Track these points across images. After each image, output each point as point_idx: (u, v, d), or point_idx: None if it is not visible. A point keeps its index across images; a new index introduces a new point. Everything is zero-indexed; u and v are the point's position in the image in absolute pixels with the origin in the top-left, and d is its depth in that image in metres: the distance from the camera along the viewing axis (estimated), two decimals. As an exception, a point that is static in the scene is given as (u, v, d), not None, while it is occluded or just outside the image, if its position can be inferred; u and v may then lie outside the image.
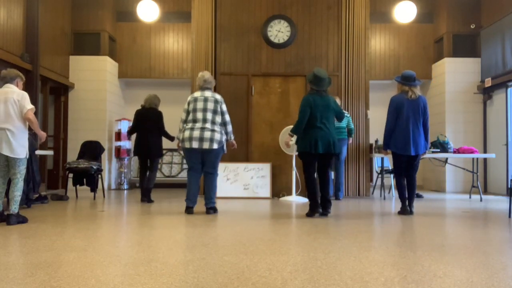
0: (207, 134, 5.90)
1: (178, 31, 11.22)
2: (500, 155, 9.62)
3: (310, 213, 5.78)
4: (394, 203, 7.88)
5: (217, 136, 5.95)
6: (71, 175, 8.39)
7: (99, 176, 8.45)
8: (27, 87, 8.75)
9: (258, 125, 9.00)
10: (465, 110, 10.60)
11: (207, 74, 6.23)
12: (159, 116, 7.69)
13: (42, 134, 5.39)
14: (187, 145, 5.94)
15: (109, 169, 10.85)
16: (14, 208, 5.02)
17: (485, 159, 10.25)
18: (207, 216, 5.86)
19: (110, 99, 10.87)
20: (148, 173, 7.63)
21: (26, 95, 5.18)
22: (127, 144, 11.08)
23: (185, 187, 9.94)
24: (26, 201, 6.59)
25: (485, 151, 10.37)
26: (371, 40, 10.84)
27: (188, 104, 6.09)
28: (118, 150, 11.02)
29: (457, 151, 8.65)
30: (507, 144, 9.67)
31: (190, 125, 5.99)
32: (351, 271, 2.96)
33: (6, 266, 3.03)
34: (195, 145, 5.89)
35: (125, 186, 11.04)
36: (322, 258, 3.37)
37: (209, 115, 5.97)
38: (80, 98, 10.62)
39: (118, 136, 11.02)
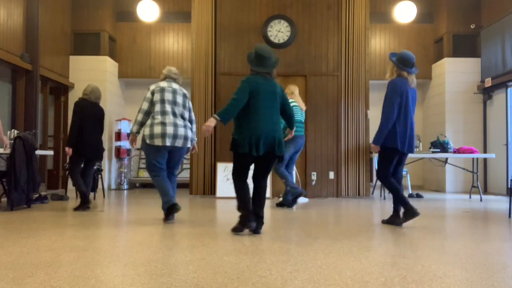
0: (181, 131, 5.26)
1: (178, 31, 11.22)
2: (500, 155, 9.62)
3: (240, 227, 4.43)
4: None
5: (189, 133, 5.39)
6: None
7: (99, 176, 8.45)
8: (27, 87, 8.78)
9: (258, 125, 8.99)
10: (465, 110, 10.60)
11: (174, 68, 5.60)
12: (103, 114, 6.75)
13: (5, 142, 5.01)
14: (158, 142, 5.15)
15: (109, 169, 10.85)
16: None
17: (485, 159, 10.25)
18: (206, 216, 5.85)
19: (110, 99, 10.87)
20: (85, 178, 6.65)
21: None
22: (127, 144, 11.08)
23: (185, 187, 9.99)
24: (26, 201, 6.59)
25: (485, 151, 10.37)
26: (371, 40, 10.84)
27: (153, 93, 5.27)
28: (118, 150, 11.02)
29: (457, 151, 8.65)
30: (507, 144, 9.67)
31: (159, 118, 5.19)
32: (351, 271, 2.96)
33: (6, 266, 3.03)
34: (168, 142, 5.17)
35: (125, 186, 11.04)
36: (322, 258, 3.37)
37: (177, 110, 5.31)
38: (80, 98, 10.61)
39: (118, 136, 11.03)
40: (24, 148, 6.45)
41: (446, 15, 10.71)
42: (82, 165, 6.65)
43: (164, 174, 5.30)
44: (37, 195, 7.19)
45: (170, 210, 5.15)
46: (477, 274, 2.93)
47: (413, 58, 5.07)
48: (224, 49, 9.09)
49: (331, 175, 8.89)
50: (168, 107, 5.23)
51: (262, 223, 4.48)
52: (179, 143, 5.24)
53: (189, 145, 5.37)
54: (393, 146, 5.02)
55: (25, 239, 4.06)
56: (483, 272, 2.97)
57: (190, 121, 5.48)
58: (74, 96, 10.64)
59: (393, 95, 4.95)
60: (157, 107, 5.21)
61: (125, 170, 11.14)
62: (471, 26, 10.66)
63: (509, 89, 9.69)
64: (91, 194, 8.41)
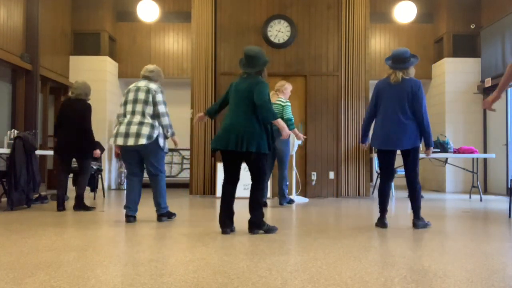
0: (133, 128, 5.07)
1: (178, 31, 11.22)
2: (500, 155, 9.62)
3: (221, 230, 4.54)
4: (394, 203, 7.87)
5: (145, 130, 5.07)
6: (71, 175, 8.37)
7: (99, 176, 8.45)
8: (27, 87, 8.78)
9: (258, 125, 8.99)
10: (465, 110, 10.60)
11: (152, 65, 5.56)
12: (84, 110, 6.45)
13: None
14: (112, 141, 5.19)
15: (109, 169, 10.85)
16: None
17: (485, 159, 10.25)
18: (206, 216, 5.86)
19: (110, 99, 10.87)
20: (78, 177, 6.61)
21: None
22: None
23: (185, 187, 9.98)
24: (26, 201, 6.59)
25: (485, 151, 10.37)
26: (371, 40, 10.84)
27: (122, 97, 5.40)
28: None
29: (457, 151, 8.65)
30: (507, 144, 9.67)
31: (118, 120, 5.28)
32: (351, 271, 2.96)
33: (6, 266, 3.03)
34: (119, 141, 5.10)
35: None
36: (322, 258, 3.36)
37: (138, 107, 5.15)
38: (80, 98, 10.61)
39: (118, 136, 11.01)
40: (24, 148, 6.45)
41: (446, 15, 10.71)
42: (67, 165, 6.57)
43: (132, 179, 5.31)
44: (37, 195, 7.18)
45: (125, 218, 5.24)
46: (477, 274, 2.93)
47: (395, 52, 5.01)
48: (224, 49, 9.09)
49: (331, 175, 8.89)
50: (129, 107, 5.21)
51: (253, 225, 4.48)
52: (130, 141, 5.06)
53: (142, 142, 5.04)
54: (372, 145, 5.19)
55: (25, 239, 4.06)
56: (483, 272, 2.97)
57: (157, 115, 5.19)
58: (74, 96, 10.66)
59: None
60: (121, 109, 5.30)
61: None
62: (471, 26, 10.66)
63: (509, 89, 9.69)
64: (91, 194, 8.44)
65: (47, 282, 2.66)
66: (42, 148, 9.60)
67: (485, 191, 10.27)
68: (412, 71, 5.02)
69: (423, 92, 4.94)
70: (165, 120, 5.21)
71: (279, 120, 4.49)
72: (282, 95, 7.18)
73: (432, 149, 5.08)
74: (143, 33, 11.19)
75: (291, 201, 7.33)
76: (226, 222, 4.49)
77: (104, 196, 8.58)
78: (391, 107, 4.91)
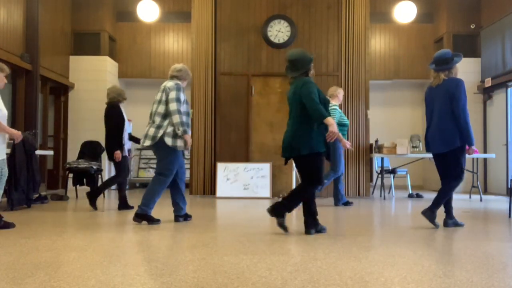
0: (146, 129, 5.19)
1: (178, 31, 11.22)
2: (500, 155, 9.62)
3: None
4: (394, 203, 7.87)
5: (151, 130, 5.09)
6: (71, 175, 8.38)
7: (99, 176, 8.45)
8: (27, 87, 8.78)
9: (258, 125, 9.01)
10: (465, 110, 10.58)
11: (179, 64, 5.45)
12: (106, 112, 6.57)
13: (15, 134, 4.81)
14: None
15: (109, 169, 10.84)
16: None
17: (485, 159, 10.25)
18: (206, 216, 5.85)
19: (110, 99, 10.86)
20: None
21: None
22: (128, 144, 11.05)
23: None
24: (26, 201, 6.59)
25: (485, 151, 10.37)
26: (371, 40, 10.84)
27: None
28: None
29: (457, 151, 8.63)
30: (507, 144, 9.67)
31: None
32: (351, 271, 2.96)
33: (6, 266, 3.03)
34: (142, 142, 5.26)
35: (125, 186, 11.02)
36: (322, 258, 3.37)
37: (154, 107, 5.19)
38: (80, 98, 10.62)
39: (118, 136, 11.02)
40: (24, 148, 6.46)
41: (446, 15, 10.71)
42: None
43: (153, 178, 5.21)
44: (37, 195, 7.18)
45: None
46: (477, 274, 2.93)
47: (437, 55, 5.06)
48: (224, 49, 9.09)
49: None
50: (153, 108, 5.22)
51: (281, 206, 4.45)
52: (144, 142, 5.14)
53: (147, 143, 5.08)
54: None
55: (25, 239, 4.06)
56: (483, 272, 2.97)
57: (168, 114, 5.08)
58: (74, 96, 10.67)
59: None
60: None
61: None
62: (471, 26, 10.66)
63: (509, 89, 9.69)
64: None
65: (47, 282, 2.66)
66: (42, 148, 9.60)
67: (485, 191, 10.27)
68: (455, 70, 5.03)
69: (461, 91, 4.87)
70: (175, 118, 5.02)
71: (329, 118, 4.37)
72: (334, 100, 7.16)
73: (473, 148, 5.09)
74: (143, 33, 11.19)
75: (348, 203, 7.09)
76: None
77: (104, 197, 8.58)
78: (434, 111, 5.00)
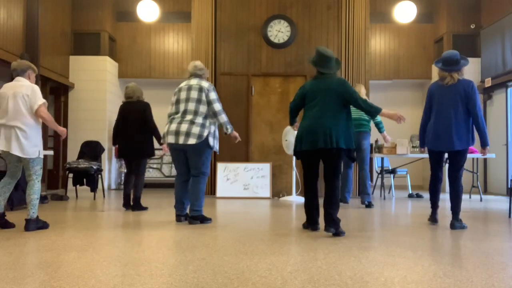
0: (184, 127, 5.03)
1: (178, 31, 11.22)
2: (500, 155, 9.62)
3: (305, 225, 4.86)
4: (394, 203, 7.87)
5: (195, 129, 5.01)
6: (71, 175, 8.39)
7: (99, 176, 8.45)
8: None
9: (258, 125, 9.01)
10: (465, 110, 10.58)
11: (198, 62, 5.46)
12: (147, 108, 6.60)
13: (62, 130, 4.92)
14: (164, 140, 5.22)
15: (109, 169, 10.85)
16: (33, 213, 4.58)
17: (485, 159, 10.25)
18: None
19: (110, 99, 10.87)
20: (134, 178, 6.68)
21: (36, 88, 4.70)
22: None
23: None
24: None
25: (485, 151, 10.36)
26: (371, 40, 10.84)
27: (174, 95, 5.32)
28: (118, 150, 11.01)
29: (457, 151, 8.63)
30: (507, 144, 9.67)
31: (170, 118, 5.24)
32: (351, 271, 2.96)
33: (6, 266, 3.03)
34: (170, 139, 5.09)
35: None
36: (322, 258, 3.37)
37: (191, 105, 5.08)
38: (80, 98, 10.63)
39: (118, 136, 11.02)
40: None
41: (446, 15, 10.71)
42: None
43: (180, 178, 5.27)
44: (37, 195, 7.17)
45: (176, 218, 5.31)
46: (477, 274, 2.93)
47: (446, 54, 5.06)
48: (224, 49, 9.09)
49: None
50: (181, 106, 5.14)
51: (333, 221, 4.45)
52: (181, 140, 5.01)
53: (192, 142, 4.97)
54: (426, 146, 5.26)
55: (25, 239, 4.06)
56: (483, 272, 2.97)
57: (214, 114, 5.12)
58: (74, 96, 10.67)
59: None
60: (173, 108, 5.25)
61: (125, 170, 11.11)
62: (471, 26, 10.66)
63: (509, 89, 9.69)
64: (91, 194, 8.44)
65: (47, 282, 2.66)
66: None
67: (485, 191, 10.27)
68: (463, 72, 5.07)
69: (476, 92, 4.94)
70: (223, 118, 5.13)
71: (384, 110, 4.55)
72: None
73: (488, 148, 5.13)
74: (143, 33, 11.19)
75: (370, 205, 7.03)
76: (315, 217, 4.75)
77: (104, 196, 8.58)
78: (444, 109, 4.99)
